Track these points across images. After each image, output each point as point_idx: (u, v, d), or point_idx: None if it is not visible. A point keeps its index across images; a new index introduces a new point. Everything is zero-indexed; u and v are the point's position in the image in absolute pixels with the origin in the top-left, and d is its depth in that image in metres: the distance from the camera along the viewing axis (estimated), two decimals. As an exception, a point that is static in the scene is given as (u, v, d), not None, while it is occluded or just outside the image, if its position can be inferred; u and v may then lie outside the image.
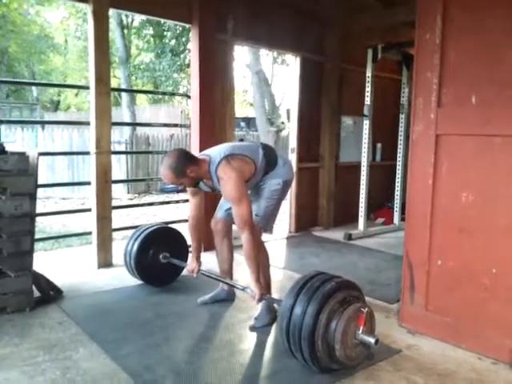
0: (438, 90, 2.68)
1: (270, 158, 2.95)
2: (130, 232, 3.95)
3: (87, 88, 4.17)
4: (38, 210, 3.37)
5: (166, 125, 10.80)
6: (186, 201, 4.79)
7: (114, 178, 4.21)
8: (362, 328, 2.27)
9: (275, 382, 2.32)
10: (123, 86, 13.42)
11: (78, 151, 10.42)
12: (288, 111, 12.01)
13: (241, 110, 21.08)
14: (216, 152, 2.84)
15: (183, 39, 13.51)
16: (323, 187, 5.98)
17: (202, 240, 3.30)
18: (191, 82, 4.71)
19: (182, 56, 13.76)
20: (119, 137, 10.93)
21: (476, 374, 2.41)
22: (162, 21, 11.70)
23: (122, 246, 3.77)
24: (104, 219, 4.06)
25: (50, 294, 3.27)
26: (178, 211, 8.16)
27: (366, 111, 5.40)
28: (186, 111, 16.12)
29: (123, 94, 13.44)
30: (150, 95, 19.49)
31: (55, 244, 5.77)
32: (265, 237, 3.06)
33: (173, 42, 13.84)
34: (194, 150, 4.11)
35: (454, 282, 2.71)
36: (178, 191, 10.80)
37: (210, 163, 2.77)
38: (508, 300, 2.50)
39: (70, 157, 10.72)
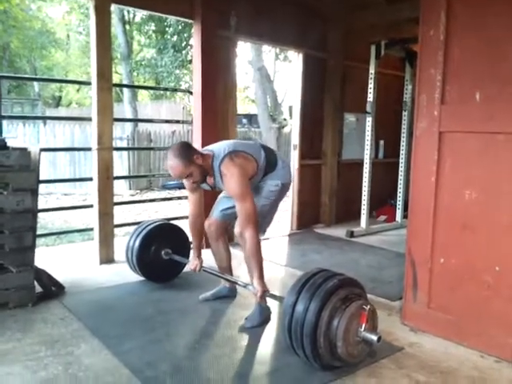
0: (441, 87, 2.67)
1: (270, 158, 2.94)
2: (131, 228, 3.96)
3: (89, 84, 4.17)
4: (39, 206, 3.36)
5: (167, 121, 10.81)
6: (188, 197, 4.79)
7: (115, 174, 4.21)
8: (364, 325, 2.27)
9: (277, 379, 2.32)
10: (125, 82, 13.41)
11: (80, 147, 10.41)
12: (290, 108, 11.99)
13: (243, 106, 21.04)
14: (219, 148, 2.83)
15: (185, 35, 13.49)
16: (325, 184, 5.97)
17: (202, 237, 3.28)
18: (193, 78, 4.70)
19: (183, 52, 13.75)
20: (121, 133, 10.91)
21: (478, 372, 2.41)
22: (164, 16, 11.68)
23: (123, 242, 3.77)
24: (106, 215, 4.05)
25: (52, 289, 3.27)
26: (180, 208, 8.16)
27: (368, 108, 5.38)
28: (188, 107, 16.11)
29: (125, 90, 13.43)
30: (152, 91, 19.46)
31: (57, 240, 5.78)
32: (267, 234, 3.06)
33: (175, 37, 13.81)
34: (196, 147, 4.10)
35: (457, 279, 2.71)
36: (179, 188, 10.80)
37: (213, 158, 2.76)
38: (511, 298, 2.49)
39: (71, 153, 10.71)
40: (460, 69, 2.63)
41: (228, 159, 2.72)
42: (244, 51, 15.79)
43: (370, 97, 5.36)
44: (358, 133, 6.04)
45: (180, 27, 13.40)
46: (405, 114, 5.88)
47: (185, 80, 15.72)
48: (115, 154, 4.18)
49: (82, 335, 2.69)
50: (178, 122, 9.70)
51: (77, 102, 22.21)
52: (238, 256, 3.28)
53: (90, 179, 4.14)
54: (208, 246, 3.97)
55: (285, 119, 14.50)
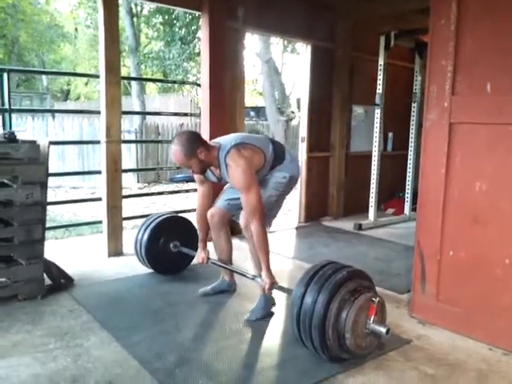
0: (452, 78, 2.64)
1: (278, 152, 2.91)
2: (139, 221, 3.97)
3: (97, 77, 4.17)
4: (48, 199, 3.38)
5: (175, 114, 10.81)
6: (196, 190, 4.79)
7: (123, 167, 4.22)
8: (372, 318, 2.26)
9: (285, 370, 2.32)
10: (133, 75, 13.41)
11: (88, 140, 10.45)
12: (298, 100, 11.93)
13: (250, 99, 20.99)
14: (226, 140, 2.82)
15: (193, 28, 13.45)
16: (333, 177, 5.94)
17: (209, 230, 3.28)
18: (201, 71, 4.69)
19: (191, 45, 13.71)
20: (129, 126, 10.94)
21: (487, 365, 2.39)
22: (172, 8, 11.64)
23: (132, 235, 3.79)
24: (114, 208, 4.07)
25: (61, 281, 3.29)
26: (188, 201, 8.18)
27: (377, 100, 5.34)
28: (196, 100, 16.10)
29: (133, 83, 13.45)
30: (160, 84, 19.45)
31: (66, 232, 5.82)
32: (274, 226, 3.05)
33: (182, 30, 13.77)
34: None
35: (466, 272, 2.69)
36: (187, 181, 10.83)
37: (219, 150, 2.75)
38: (521, 291, 2.48)
39: (80, 146, 10.75)
40: (471, 59, 2.59)
41: (234, 150, 2.71)
42: (252, 43, 15.75)
43: (379, 88, 5.32)
44: (367, 125, 6.00)
45: (188, 20, 13.37)
46: (414, 105, 5.83)
47: (192, 73, 15.69)
48: (123, 147, 4.19)
49: (91, 327, 2.71)
50: (185, 114, 9.70)
51: (85, 96, 22.28)
52: (245, 249, 3.27)
53: (99, 172, 4.16)
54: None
55: (293, 112, 14.44)
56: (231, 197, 3.04)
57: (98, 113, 4.05)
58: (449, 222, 2.73)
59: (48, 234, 4.28)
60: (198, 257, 3.20)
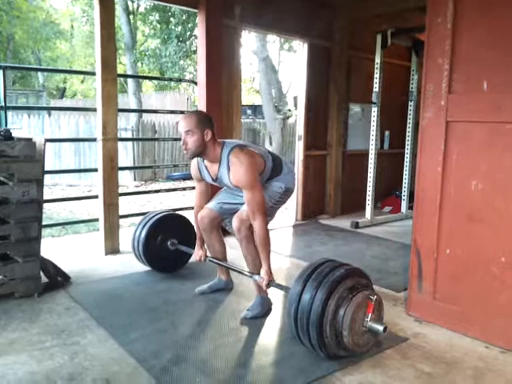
0: (448, 76, 2.64)
1: (276, 163, 2.92)
2: (136, 219, 3.96)
3: (93, 74, 4.16)
4: (45, 197, 3.37)
5: (172, 111, 10.78)
6: (193, 188, 4.79)
7: (120, 165, 4.21)
8: (370, 315, 2.27)
9: (282, 368, 2.32)
10: (129, 73, 13.38)
11: (85, 138, 10.42)
12: (295, 98, 11.94)
13: (247, 97, 20.98)
14: (230, 141, 2.85)
15: (189, 25, 13.41)
16: (330, 175, 5.95)
17: None
18: (198, 69, 4.67)
19: (188, 42, 13.67)
20: (125, 124, 10.92)
21: (484, 363, 2.40)
22: (168, 6, 11.61)
23: (129, 233, 3.78)
24: (111, 206, 4.06)
25: (58, 279, 3.29)
26: (184, 198, 8.18)
27: (374, 98, 5.34)
28: (193, 98, 16.08)
29: (129, 81, 13.42)
30: (156, 82, 19.43)
31: (63, 230, 5.81)
32: (271, 224, 3.04)
33: (179, 28, 13.73)
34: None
35: (463, 270, 2.70)
36: (184, 179, 10.82)
37: (223, 147, 2.75)
38: (517, 289, 2.48)
39: (76, 144, 10.72)
40: (468, 58, 2.60)
41: (238, 149, 2.72)
42: (248, 41, 15.74)
43: (376, 87, 5.32)
44: (364, 123, 6.01)
45: (184, 17, 13.32)
46: (411, 104, 5.84)
47: (189, 71, 15.68)
48: (120, 145, 4.18)
49: (88, 325, 2.71)
50: (182, 112, 9.57)
51: (81, 94, 22.22)
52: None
53: (95, 170, 4.15)
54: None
55: (289, 110, 14.42)
56: (225, 200, 3.03)
57: (94, 110, 4.04)
58: (445, 221, 2.74)
59: (44, 231, 4.28)
60: (196, 254, 3.20)
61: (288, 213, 5.78)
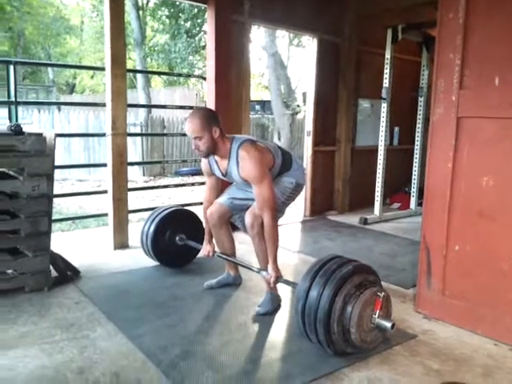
0: (460, 72, 2.61)
1: (286, 159, 2.91)
2: (145, 214, 3.98)
3: (103, 69, 4.17)
4: (55, 192, 3.39)
5: (181, 107, 10.80)
6: (201, 183, 4.80)
7: (129, 160, 4.23)
8: (378, 312, 2.26)
9: (289, 364, 2.32)
10: (138, 68, 13.40)
11: (94, 133, 10.47)
12: (304, 94, 11.89)
13: (256, 93, 20.94)
14: (239, 136, 2.85)
15: (198, 21, 13.42)
16: (339, 171, 5.93)
17: None
18: (207, 64, 4.67)
19: (197, 38, 13.68)
20: (134, 119, 10.96)
21: (493, 361, 2.39)
22: (178, 1, 11.61)
23: (137, 228, 3.80)
24: (120, 201, 4.08)
25: (68, 274, 3.31)
26: (193, 194, 8.19)
27: (384, 94, 5.31)
28: (201, 94, 16.08)
29: (138, 77, 13.43)
30: (165, 78, 19.44)
31: (72, 225, 5.85)
32: (280, 220, 3.03)
33: (188, 23, 13.74)
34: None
35: (472, 267, 2.68)
36: (193, 174, 10.84)
37: (232, 141, 2.75)
38: (527, 286, 2.46)
39: (85, 139, 10.78)
40: (479, 53, 2.57)
41: (248, 143, 2.71)
42: (258, 37, 15.68)
43: (386, 82, 5.29)
44: (373, 119, 5.98)
45: (193, 12, 13.32)
46: (421, 100, 5.80)
47: (198, 66, 15.68)
48: (129, 140, 4.19)
49: (98, 319, 2.73)
50: (191, 108, 9.55)
51: (91, 89, 22.30)
52: (250, 242, 3.27)
53: (105, 165, 4.16)
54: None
55: (298, 105, 14.38)
56: (236, 196, 3.02)
57: (104, 105, 4.05)
58: (455, 217, 2.72)
59: (54, 226, 4.31)
60: (204, 249, 3.21)
61: (296, 209, 5.77)
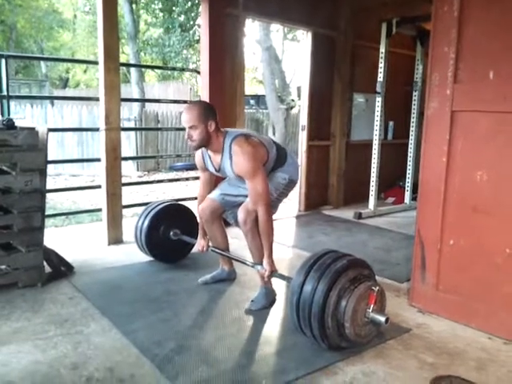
0: (454, 66, 2.61)
1: (280, 154, 2.90)
2: (139, 209, 3.96)
3: (96, 63, 4.13)
4: (48, 187, 3.37)
5: (175, 101, 10.76)
6: (196, 178, 4.78)
7: (123, 155, 4.20)
8: (372, 306, 2.27)
9: (283, 359, 2.32)
10: (132, 62, 13.31)
11: (88, 127, 10.41)
12: (299, 88, 11.86)
13: (250, 87, 20.86)
14: (233, 130, 2.84)
15: (192, 14, 13.32)
16: (334, 166, 5.93)
17: None
18: (201, 58, 4.65)
19: (191, 32, 13.59)
20: (128, 114, 10.89)
21: (486, 354, 2.40)
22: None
23: (131, 223, 3.78)
24: (114, 196, 4.06)
25: (61, 269, 3.29)
26: (187, 189, 8.17)
27: (378, 88, 5.30)
28: (196, 88, 16.01)
29: (132, 71, 13.34)
30: (159, 72, 19.31)
31: (66, 220, 5.81)
32: (275, 215, 3.02)
33: (182, 17, 13.64)
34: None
35: (466, 261, 2.69)
36: (187, 169, 10.81)
37: (226, 136, 2.73)
38: (521, 280, 2.47)
39: (79, 134, 10.71)
40: (474, 47, 2.56)
41: (241, 137, 2.70)
42: (252, 30, 15.61)
43: (380, 77, 5.28)
44: (368, 113, 5.97)
45: (187, 6, 13.23)
46: (415, 94, 5.80)
47: (192, 60, 15.58)
48: (123, 135, 4.17)
49: (91, 314, 2.72)
50: (185, 102, 9.50)
51: (84, 84, 22.15)
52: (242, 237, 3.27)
53: (98, 160, 4.14)
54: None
55: (293, 100, 14.36)
56: (228, 192, 3.01)
57: (97, 100, 4.02)
58: (449, 211, 2.72)
59: (48, 221, 4.28)
60: (198, 245, 3.20)
61: (291, 203, 5.77)
